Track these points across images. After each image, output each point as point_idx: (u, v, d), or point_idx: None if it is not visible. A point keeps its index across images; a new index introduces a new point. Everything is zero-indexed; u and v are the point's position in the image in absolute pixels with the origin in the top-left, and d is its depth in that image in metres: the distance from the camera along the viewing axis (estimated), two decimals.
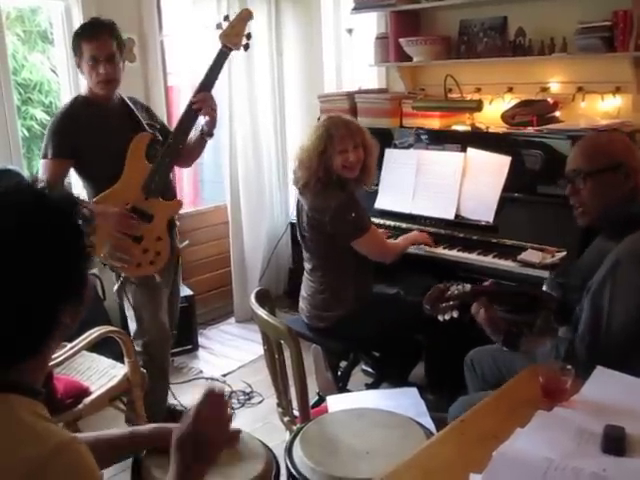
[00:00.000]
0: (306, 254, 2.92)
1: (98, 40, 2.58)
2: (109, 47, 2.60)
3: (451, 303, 1.92)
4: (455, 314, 1.91)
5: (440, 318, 1.93)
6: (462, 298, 1.93)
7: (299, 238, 2.95)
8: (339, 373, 3.11)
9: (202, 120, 2.78)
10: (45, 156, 2.64)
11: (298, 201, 2.91)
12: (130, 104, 2.81)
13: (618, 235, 1.81)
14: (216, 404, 1.36)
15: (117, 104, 2.78)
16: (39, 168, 2.69)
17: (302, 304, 2.95)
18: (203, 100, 2.70)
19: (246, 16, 2.75)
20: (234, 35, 2.71)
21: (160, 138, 2.80)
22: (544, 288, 2.22)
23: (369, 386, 3.15)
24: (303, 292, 2.95)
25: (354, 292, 2.80)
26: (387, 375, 3.12)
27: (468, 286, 1.94)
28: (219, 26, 2.73)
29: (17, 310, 1.03)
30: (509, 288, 2.11)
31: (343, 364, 3.16)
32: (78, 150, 2.63)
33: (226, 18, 2.75)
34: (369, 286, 2.92)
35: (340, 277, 2.81)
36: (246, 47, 2.78)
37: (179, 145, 2.71)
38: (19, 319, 1.04)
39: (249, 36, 2.76)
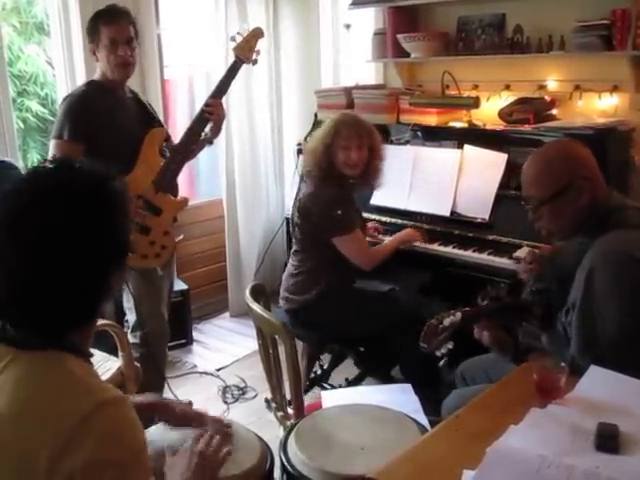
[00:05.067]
0: (293, 240, 2.97)
1: (118, 23, 2.63)
2: (127, 31, 2.66)
3: (445, 334, 1.88)
4: (450, 345, 1.88)
5: (438, 353, 1.89)
6: (454, 328, 1.89)
7: (291, 225, 2.98)
8: (320, 370, 3.15)
9: (208, 126, 2.85)
10: (60, 137, 2.61)
11: (299, 188, 2.95)
12: (142, 98, 2.88)
13: (590, 234, 1.81)
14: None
15: (130, 95, 2.82)
16: (51, 148, 2.65)
17: (280, 288, 2.98)
18: (215, 106, 2.79)
19: (258, 33, 2.91)
20: (247, 49, 2.86)
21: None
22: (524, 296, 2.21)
23: (350, 382, 3.10)
24: (282, 276, 2.99)
25: (327, 279, 2.80)
26: (371, 371, 3.10)
27: (458, 314, 1.90)
28: (233, 39, 2.89)
29: (77, 279, 1.10)
30: (493, 305, 2.08)
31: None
32: (92, 135, 2.62)
33: (239, 33, 2.89)
34: (347, 278, 2.88)
35: (317, 263, 2.84)
36: (255, 62, 2.91)
37: (192, 145, 2.81)
38: (80, 287, 1.11)
39: (258, 52, 2.91)
